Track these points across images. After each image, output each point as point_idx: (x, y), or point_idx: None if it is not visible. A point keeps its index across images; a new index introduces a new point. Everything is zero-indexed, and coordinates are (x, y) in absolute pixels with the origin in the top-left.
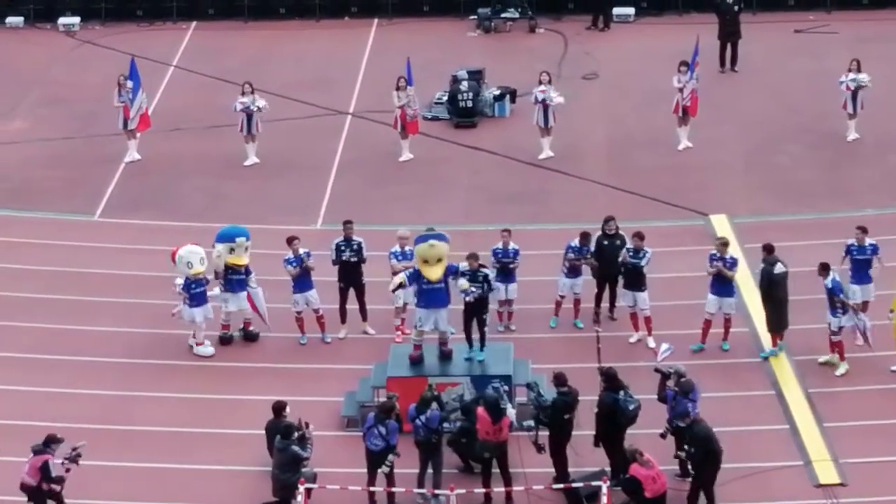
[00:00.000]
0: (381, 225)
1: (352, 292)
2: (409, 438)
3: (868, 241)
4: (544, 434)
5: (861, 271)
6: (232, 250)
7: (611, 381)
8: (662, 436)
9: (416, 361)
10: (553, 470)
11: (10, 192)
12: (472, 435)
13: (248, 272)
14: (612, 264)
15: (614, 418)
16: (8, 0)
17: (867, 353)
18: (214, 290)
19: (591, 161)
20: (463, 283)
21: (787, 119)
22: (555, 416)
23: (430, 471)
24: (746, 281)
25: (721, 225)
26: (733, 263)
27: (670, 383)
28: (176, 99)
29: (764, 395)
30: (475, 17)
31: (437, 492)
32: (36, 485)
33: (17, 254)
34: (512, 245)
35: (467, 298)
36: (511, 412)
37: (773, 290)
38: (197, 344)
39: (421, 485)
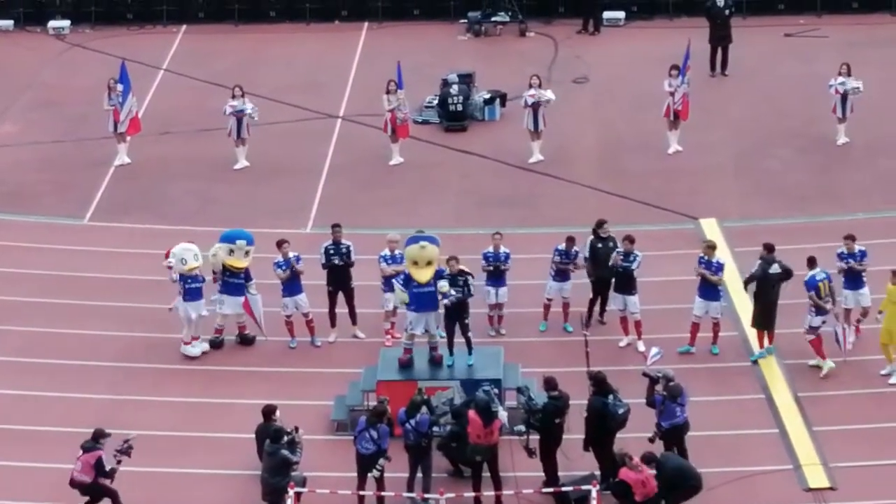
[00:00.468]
0: (371, 229)
1: (341, 296)
2: (398, 442)
3: (857, 247)
4: (535, 438)
5: (853, 277)
6: (231, 252)
7: (600, 385)
8: (651, 440)
9: (406, 365)
10: (543, 474)
11: (0, 196)
12: (461, 439)
13: (248, 278)
14: (606, 267)
15: (604, 422)
16: None
17: (857, 358)
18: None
19: (581, 165)
20: (443, 284)
21: (777, 123)
22: (545, 420)
23: (419, 475)
24: (736, 285)
25: (711, 229)
26: (719, 268)
27: (659, 388)
28: (166, 102)
29: (753, 399)
30: (465, 20)
31: (426, 496)
32: (91, 481)
33: (7, 257)
34: (503, 248)
35: (445, 301)
36: (503, 415)
37: (765, 288)
38: (184, 343)
39: (410, 489)
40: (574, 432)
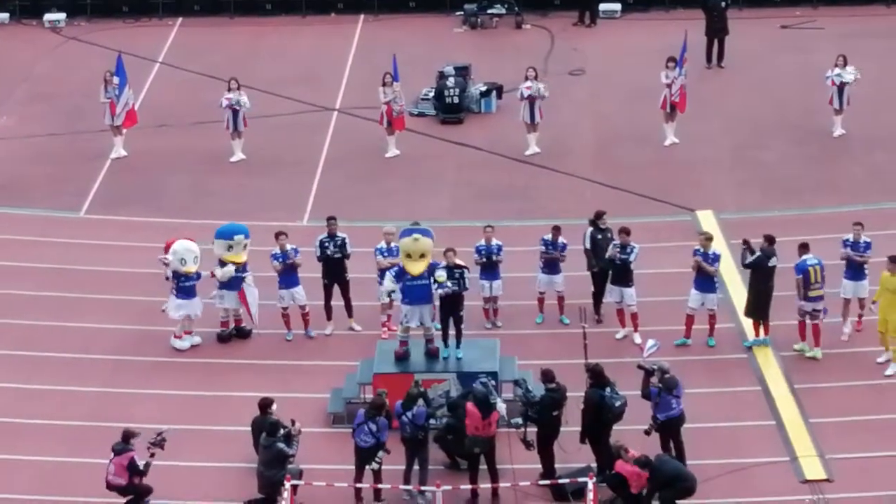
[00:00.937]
0: (368, 221)
1: (337, 289)
2: (395, 435)
3: (864, 237)
4: (532, 430)
5: (855, 267)
6: (230, 248)
7: (597, 377)
8: (647, 432)
9: (402, 358)
10: (540, 466)
11: None
12: (458, 431)
13: (244, 270)
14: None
15: (600, 415)
16: None
17: (853, 349)
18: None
19: (577, 157)
20: (441, 274)
21: (773, 115)
22: (543, 413)
23: (416, 467)
24: (732, 276)
25: (707, 221)
26: (716, 259)
27: (654, 380)
28: (162, 95)
29: (750, 391)
30: (461, 13)
31: (423, 488)
32: (126, 483)
33: (3, 251)
34: (495, 241)
35: (440, 292)
36: (501, 406)
37: (761, 278)
38: (175, 336)
39: (407, 481)
40: (571, 425)
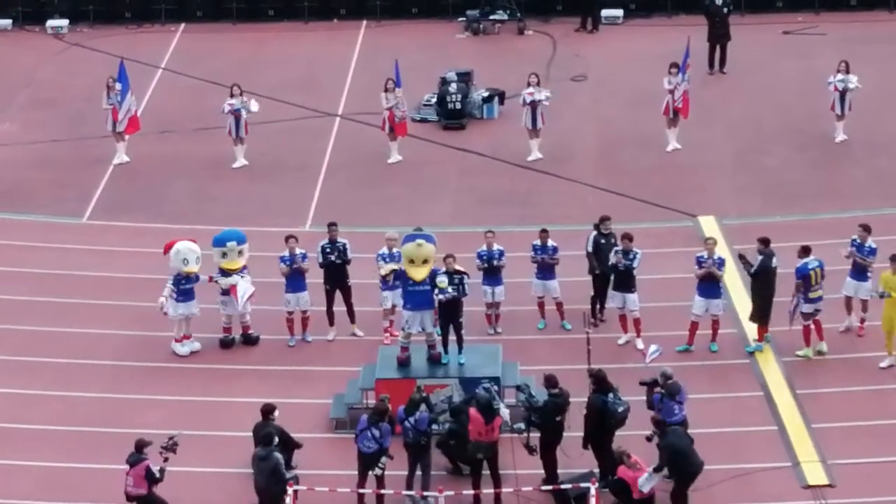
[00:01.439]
0: (370, 227)
1: (339, 295)
2: (397, 440)
3: (871, 241)
4: (535, 435)
5: (859, 268)
6: (224, 255)
7: (600, 383)
8: (649, 438)
9: (404, 363)
10: (542, 471)
11: None
12: (461, 437)
13: (243, 271)
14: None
15: (603, 420)
16: None
17: (855, 354)
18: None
19: (579, 163)
20: (442, 279)
21: (775, 120)
22: (546, 418)
23: (418, 473)
24: (734, 282)
25: (709, 226)
26: (721, 263)
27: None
28: (164, 101)
29: (752, 397)
30: (464, 19)
31: (425, 494)
32: (146, 492)
33: (6, 256)
34: (496, 246)
35: (440, 297)
36: (504, 412)
37: (770, 282)
38: (175, 340)
39: (410, 487)
40: (574, 430)
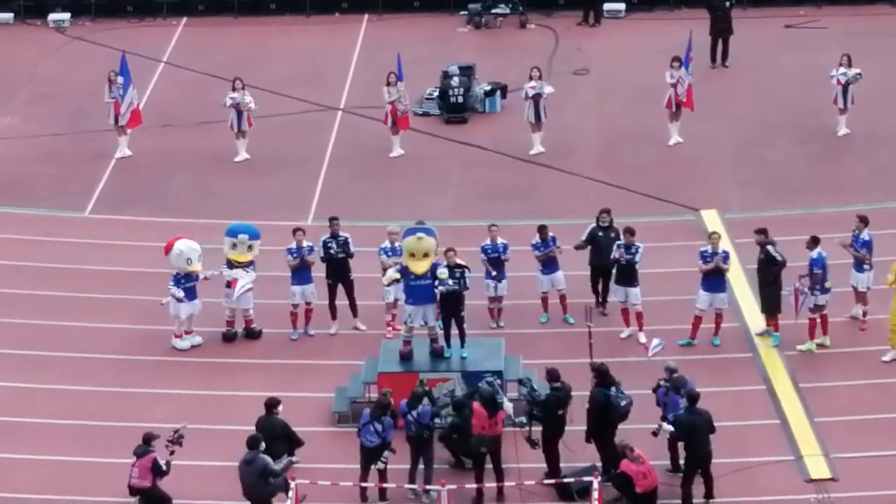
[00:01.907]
0: (372, 220)
1: (341, 289)
2: (400, 434)
3: (867, 233)
4: (538, 429)
5: (857, 260)
6: (234, 246)
7: (602, 376)
8: (654, 433)
9: (407, 357)
10: (545, 465)
11: (0, 189)
12: (463, 431)
13: (249, 266)
14: (606, 256)
15: (606, 414)
16: None
17: (858, 348)
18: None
19: (581, 156)
20: (443, 271)
21: (777, 114)
22: (548, 412)
23: (421, 466)
24: (738, 276)
25: (712, 220)
26: (726, 257)
27: (662, 381)
28: (166, 95)
29: (755, 390)
30: (466, 12)
31: (428, 487)
32: (151, 485)
33: (8, 250)
34: (500, 240)
35: (441, 288)
36: (508, 406)
37: (774, 273)
38: (175, 336)
39: (412, 480)
40: (576, 424)
